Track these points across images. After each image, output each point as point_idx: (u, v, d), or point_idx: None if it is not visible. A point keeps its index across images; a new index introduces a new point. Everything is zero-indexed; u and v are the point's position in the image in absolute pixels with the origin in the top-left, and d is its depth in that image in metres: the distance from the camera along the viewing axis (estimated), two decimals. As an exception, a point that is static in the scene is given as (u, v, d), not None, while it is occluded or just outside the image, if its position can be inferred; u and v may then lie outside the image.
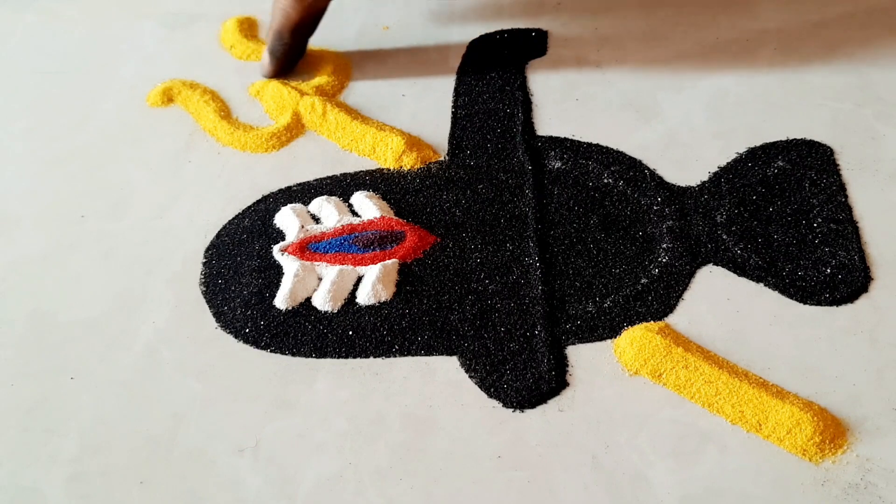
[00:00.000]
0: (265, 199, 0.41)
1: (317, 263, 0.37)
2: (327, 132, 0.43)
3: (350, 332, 0.35)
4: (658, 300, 0.36)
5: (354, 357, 0.35)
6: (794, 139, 0.41)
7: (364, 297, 0.36)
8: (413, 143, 0.42)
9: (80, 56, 0.49)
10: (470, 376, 0.34)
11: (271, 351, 0.35)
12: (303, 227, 0.39)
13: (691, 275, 0.36)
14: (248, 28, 0.49)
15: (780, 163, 0.40)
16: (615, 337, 0.35)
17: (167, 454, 0.32)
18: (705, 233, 0.38)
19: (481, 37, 0.48)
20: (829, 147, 0.41)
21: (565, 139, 0.42)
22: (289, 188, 0.41)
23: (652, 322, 0.35)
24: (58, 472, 0.32)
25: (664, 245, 0.37)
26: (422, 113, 0.44)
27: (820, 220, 0.38)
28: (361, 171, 0.41)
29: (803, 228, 0.38)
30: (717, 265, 0.37)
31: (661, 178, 0.40)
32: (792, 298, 0.35)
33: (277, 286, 0.37)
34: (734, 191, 0.39)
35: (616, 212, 0.39)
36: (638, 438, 0.32)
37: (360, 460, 0.32)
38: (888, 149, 0.41)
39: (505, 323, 0.35)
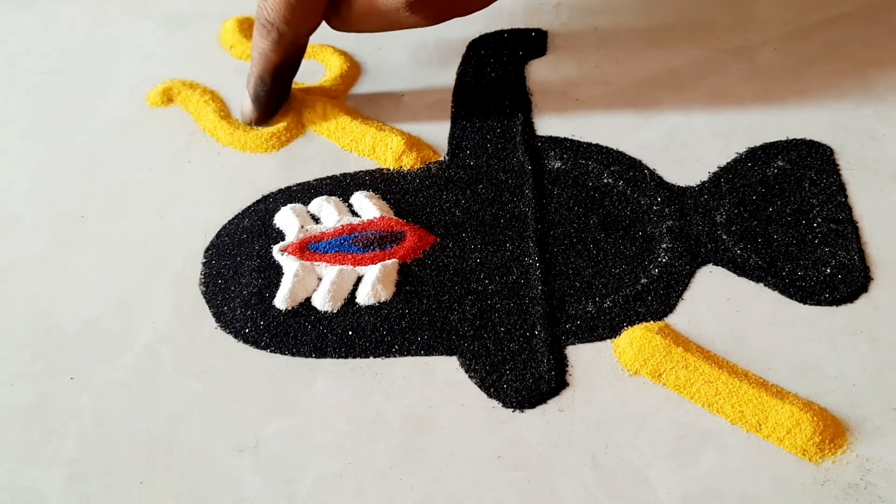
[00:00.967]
0: (265, 199, 0.41)
1: (316, 263, 0.37)
2: (327, 132, 0.43)
3: (350, 332, 0.35)
4: (658, 300, 0.36)
5: (354, 357, 0.35)
6: (794, 139, 0.41)
7: (364, 297, 0.36)
8: (413, 143, 0.42)
9: (80, 56, 0.48)
10: (470, 376, 0.34)
11: (271, 351, 0.35)
12: (303, 227, 0.39)
13: (691, 275, 0.36)
14: (248, 28, 0.49)
15: (780, 163, 0.40)
16: (615, 337, 0.35)
17: (167, 454, 0.32)
18: (705, 233, 0.38)
19: (481, 37, 0.48)
20: (829, 147, 0.41)
21: (565, 139, 0.42)
22: (289, 188, 0.41)
23: (652, 322, 0.35)
24: (58, 472, 0.32)
25: (664, 245, 0.37)
26: (421, 113, 0.44)
27: (820, 220, 0.38)
28: (361, 171, 0.41)
29: (803, 228, 0.38)
30: (717, 265, 0.37)
31: (660, 178, 0.40)
32: (792, 298, 0.35)
33: (277, 286, 0.37)
34: (734, 191, 0.39)
35: (616, 212, 0.39)
36: (638, 438, 0.32)
37: (360, 460, 0.32)
38: (888, 149, 0.41)
39: (505, 323, 0.35)
